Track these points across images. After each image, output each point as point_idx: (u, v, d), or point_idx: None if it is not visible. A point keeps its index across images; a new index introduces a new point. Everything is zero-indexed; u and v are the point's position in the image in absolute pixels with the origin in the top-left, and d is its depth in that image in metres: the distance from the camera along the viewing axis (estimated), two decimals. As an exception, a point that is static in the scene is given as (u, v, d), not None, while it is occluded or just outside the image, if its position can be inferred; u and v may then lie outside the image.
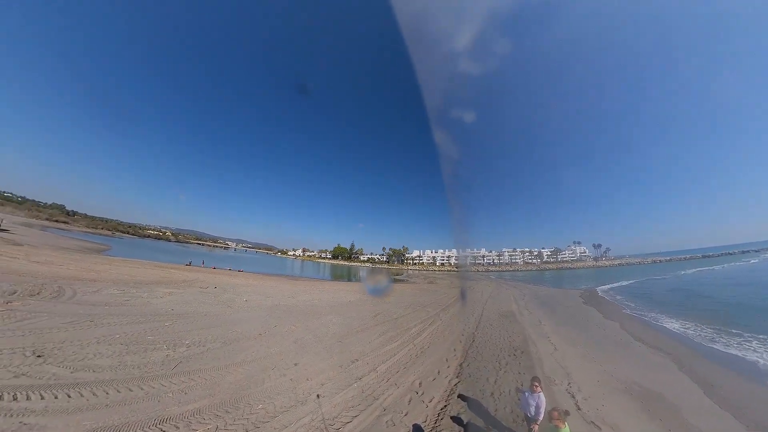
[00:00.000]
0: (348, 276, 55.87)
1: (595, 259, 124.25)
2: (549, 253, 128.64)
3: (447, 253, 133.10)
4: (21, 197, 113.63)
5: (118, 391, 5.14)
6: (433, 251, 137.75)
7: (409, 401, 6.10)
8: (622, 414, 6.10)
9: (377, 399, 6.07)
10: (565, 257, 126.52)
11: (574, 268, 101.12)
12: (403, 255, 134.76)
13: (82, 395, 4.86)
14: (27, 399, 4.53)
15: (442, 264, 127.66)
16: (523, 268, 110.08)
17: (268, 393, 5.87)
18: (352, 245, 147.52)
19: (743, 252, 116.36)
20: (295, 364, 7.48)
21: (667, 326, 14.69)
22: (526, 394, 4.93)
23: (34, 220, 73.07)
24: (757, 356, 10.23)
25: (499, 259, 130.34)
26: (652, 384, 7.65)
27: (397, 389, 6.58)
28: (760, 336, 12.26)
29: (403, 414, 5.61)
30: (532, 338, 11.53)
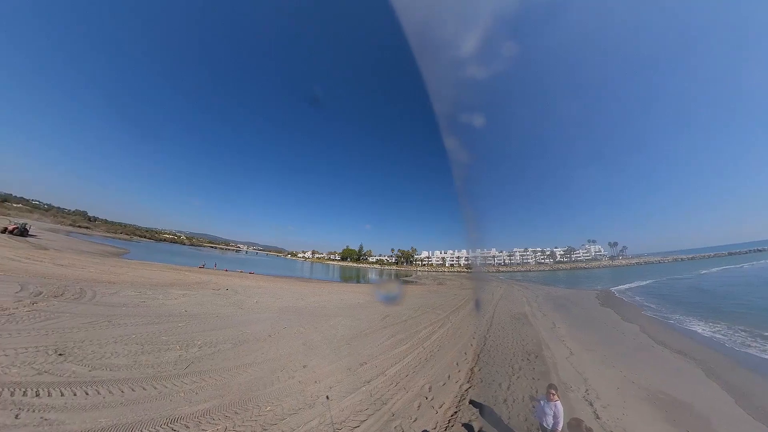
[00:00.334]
0: (357, 278, 55.96)
1: (611, 258, 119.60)
2: (562, 253, 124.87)
3: (456, 254, 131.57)
4: (47, 204, 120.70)
5: (132, 390, 5.27)
6: (442, 252, 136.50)
7: (419, 407, 5.97)
8: (645, 424, 5.77)
9: (386, 403, 5.98)
10: (579, 257, 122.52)
11: (589, 268, 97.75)
12: (412, 256, 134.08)
13: (99, 393, 5.00)
14: (48, 395, 4.70)
15: (452, 265, 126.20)
16: (536, 269, 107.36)
17: (276, 395, 5.88)
18: (361, 247, 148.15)
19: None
20: (304, 366, 7.48)
21: (693, 329, 13.91)
22: (542, 402, 4.72)
23: (59, 225, 77.01)
24: (796, 364, 9.54)
25: (510, 260, 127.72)
26: (677, 392, 7.22)
27: (407, 394, 6.47)
28: (800, 341, 11.43)
29: (413, 420, 5.49)
30: (546, 342, 11.15)
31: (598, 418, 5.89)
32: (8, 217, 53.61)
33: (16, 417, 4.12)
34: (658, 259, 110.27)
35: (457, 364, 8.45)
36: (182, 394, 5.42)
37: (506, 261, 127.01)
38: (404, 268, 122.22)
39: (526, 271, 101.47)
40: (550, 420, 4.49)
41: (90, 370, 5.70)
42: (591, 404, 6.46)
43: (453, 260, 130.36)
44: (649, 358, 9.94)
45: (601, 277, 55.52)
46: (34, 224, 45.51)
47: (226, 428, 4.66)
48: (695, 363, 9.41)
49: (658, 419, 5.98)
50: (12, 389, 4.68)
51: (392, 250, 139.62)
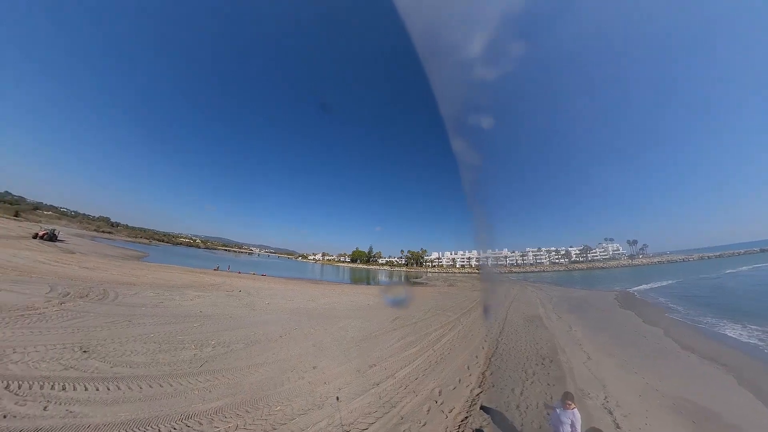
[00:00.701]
0: (367, 280, 56.01)
1: (631, 257, 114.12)
2: (578, 252, 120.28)
3: (467, 255, 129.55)
4: (74, 211, 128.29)
5: (150, 387, 5.47)
6: (453, 253, 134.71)
7: (428, 410, 5.89)
8: (670, 435, 5.46)
9: (395, 406, 5.93)
10: (596, 256, 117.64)
11: (606, 268, 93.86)
12: (422, 257, 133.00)
13: (119, 388, 5.23)
14: (73, 390, 4.95)
15: (462, 266, 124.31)
16: (550, 269, 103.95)
17: (286, 395, 5.95)
18: (371, 249, 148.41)
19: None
20: (314, 367, 7.54)
21: (724, 333, 13.07)
22: (558, 410, 4.53)
23: (84, 231, 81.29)
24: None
25: (522, 260, 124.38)
26: (705, 400, 6.79)
27: (416, 397, 6.40)
28: None
29: (422, 424, 5.41)
30: (561, 345, 10.77)
31: (618, 427, 5.62)
32: (39, 224, 57.13)
33: (45, 409, 4.36)
34: (682, 257, 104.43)
35: (468, 367, 8.29)
36: (196, 392, 5.58)
37: (519, 261, 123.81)
38: (414, 269, 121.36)
39: (540, 271, 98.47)
40: (567, 429, 4.30)
41: (111, 367, 5.97)
42: (611, 412, 6.18)
43: (464, 261, 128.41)
44: (674, 363, 9.41)
45: (619, 277, 53.24)
46: (62, 230, 48.29)
47: (238, 426, 4.75)
48: (726, 370, 8.84)
49: (683, 429, 5.65)
50: (41, 383, 4.96)
51: (402, 251, 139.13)
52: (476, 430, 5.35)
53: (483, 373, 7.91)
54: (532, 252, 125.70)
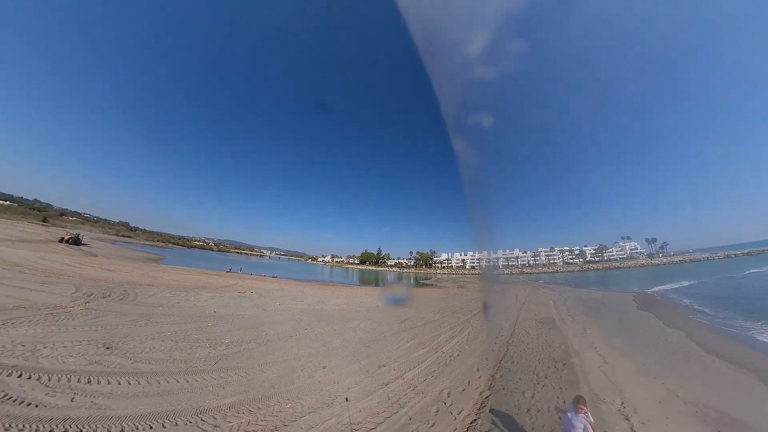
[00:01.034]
0: (376, 281, 56.06)
1: (650, 256, 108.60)
2: (593, 252, 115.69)
3: (477, 256, 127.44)
4: (96, 217, 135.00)
5: (167, 382, 5.71)
6: (462, 254, 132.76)
7: (437, 412, 5.87)
8: (690, 443, 5.22)
9: (403, 407, 5.94)
10: (613, 255, 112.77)
11: (624, 268, 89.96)
12: (431, 258, 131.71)
13: (139, 383, 5.48)
14: (98, 383, 5.24)
15: (472, 267, 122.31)
16: (563, 269, 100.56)
17: (296, 393, 6.07)
18: (379, 250, 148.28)
19: None
20: (323, 367, 7.64)
21: (750, 336, 12.36)
22: (569, 414, 4.43)
23: (106, 235, 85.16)
24: None
25: (535, 260, 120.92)
26: (733, 409, 6.44)
27: (424, 398, 6.38)
28: None
29: (430, 425, 5.40)
30: (575, 348, 10.47)
31: (635, 434, 5.43)
32: (65, 229, 60.24)
33: (72, 400, 4.64)
34: (706, 255, 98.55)
35: (478, 369, 8.19)
36: (211, 388, 5.77)
37: (530, 262, 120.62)
38: (423, 270, 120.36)
39: (553, 272, 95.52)
40: None
41: (132, 363, 6.26)
42: (627, 419, 5.97)
43: (474, 262, 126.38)
44: (698, 369, 8.98)
45: (638, 277, 51.26)
46: (85, 234, 50.81)
47: (250, 422, 4.89)
48: (755, 376, 8.36)
49: (706, 437, 5.40)
50: (69, 376, 5.27)
51: (411, 252, 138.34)
52: None
53: (493, 376, 7.80)
54: (545, 252, 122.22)
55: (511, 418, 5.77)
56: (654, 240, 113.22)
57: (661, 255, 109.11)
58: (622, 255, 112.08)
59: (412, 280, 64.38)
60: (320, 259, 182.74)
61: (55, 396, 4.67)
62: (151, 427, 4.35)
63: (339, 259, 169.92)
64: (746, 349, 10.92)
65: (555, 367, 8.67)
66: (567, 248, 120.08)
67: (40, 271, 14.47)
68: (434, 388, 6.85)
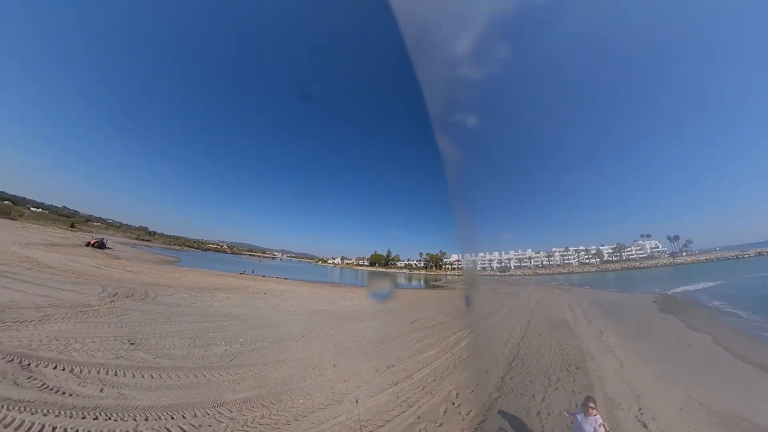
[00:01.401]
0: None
1: (672, 255, 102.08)
2: (610, 251, 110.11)
3: (488, 257, 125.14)
4: (119, 222, 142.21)
5: (186, 377, 6.01)
6: (473, 255, 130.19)
7: (445, 412, 5.89)
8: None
9: (411, 406, 6.00)
10: (632, 255, 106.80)
11: (644, 268, 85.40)
12: (441, 260, 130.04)
13: (161, 377, 5.80)
14: (124, 376, 5.59)
15: (483, 268, 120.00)
16: (579, 270, 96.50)
17: (308, 390, 6.24)
18: (389, 252, 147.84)
19: None
20: (334, 366, 7.79)
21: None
22: (579, 417, 4.35)
23: (127, 239, 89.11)
24: None
25: (549, 261, 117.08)
26: (762, 418, 6.11)
27: (433, 398, 6.41)
28: None
29: (437, 424, 5.44)
30: (590, 352, 10.17)
31: (652, 440, 5.26)
32: (91, 233, 63.64)
33: (101, 390, 4.98)
34: (735, 254, 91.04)
35: (487, 371, 8.13)
36: (227, 384, 6.03)
37: (544, 263, 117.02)
38: (433, 272, 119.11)
39: (568, 273, 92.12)
40: None
41: (154, 358, 6.62)
42: (645, 426, 5.78)
43: (485, 263, 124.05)
44: (724, 375, 8.49)
45: (659, 277, 48.53)
46: (109, 238, 53.51)
47: (263, 416, 5.09)
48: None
49: (729, 446, 5.16)
50: (98, 369, 5.65)
51: (420, 254, 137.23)
52: None
53: (503, 378, 7.72)
54: (559, 252, 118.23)
55: (519, 420, 5.72)
56: (676, 237, 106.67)
57: (684, 253, 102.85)
58: (641, 254, 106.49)
59: (422, 282, 63.96)
60: (330, 261, 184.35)
61: (86, 386, 5.03)
62: (172, 418, 4.62)
63: (349, 261, 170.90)
64: (777, 353, 10.27)
65: (568, 370, 8.47)
66: (582, 248, 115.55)
67: (70, 273, 15.41)
68: (443, 389, 6.87)
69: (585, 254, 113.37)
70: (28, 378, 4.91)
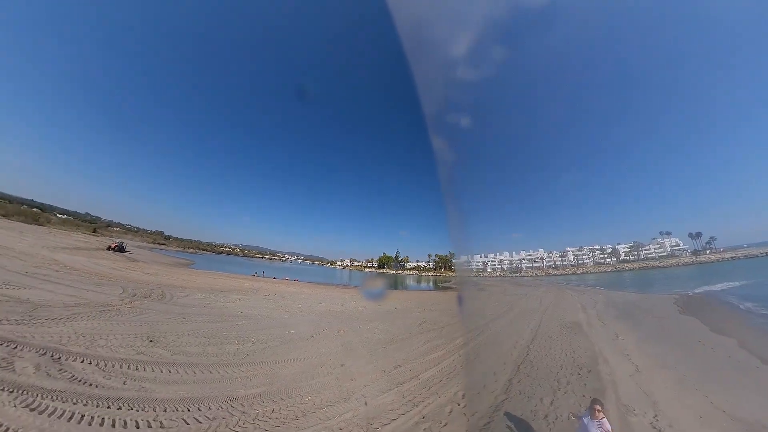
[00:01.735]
0: (394, 285, 55.91)
1: (694, 252, 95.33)
2: (627, 250, 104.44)
3: (498, 258, 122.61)
4: (136, 227, 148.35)
5: (202, 372, 6.30)
6: (483, 255, 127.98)
7: (450, 412, 5.92)
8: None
9: (417, 406, 6.06)
10: (651, 253, 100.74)
11: (663, 267, 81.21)
12: (450, 261, 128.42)
13: (178, 372, 6.11)
14: (144, 370, 5.93)
15: (494, 269, 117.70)
16: (594, 270, 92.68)
17: (316, 387, 6.41)
18: (397, 253, 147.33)
19: None
20: (342, 365, 7.94)
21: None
22: (585, 420, 4.27)
23: (144, 243, 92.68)
24: None
25: (562, 261, 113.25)
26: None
27: (439, 398, 6.45)
28: None
29: (442, 424, 5.48)
30: (604, 355, 9.91)
31: (667, 447, 5.09)
32: (111, 238, 66.65)
33: (124, 383, 5.31)
34: (765, 251, 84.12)
35: (495, 373, 8.08)
36: (239, 380, 6.28)
37: (557, 263, 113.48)
38: (442, 273, 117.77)
39: (582, 273, 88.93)
40: None
41: (172, 355, 6.96)
42: (659, 432, 5.61)
43: (495, 264, 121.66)
44: (751, 381, 7.96)
45: (680, 277, 46.14)
46: (128, 242, 55.85)
47: (274, 410, 5.29)
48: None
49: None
50: (121, 363, 6.01)
51: (429, 255, 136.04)
52: None
53: (510, 380, 7.66)
54: (573, 252, 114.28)
55: (526, 423, 5.68)
56: (699, 234, 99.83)
57: (708, 251, 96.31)
58: (661, 252, 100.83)
59: (431, 284, 63.43)
60: (339, 264, 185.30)
61: (110, 379, 5.37)
62: (188, 410, 4.87)
63: (357, 263, 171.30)
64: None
65: (579, 374, 8.30)
66: (597, 247, 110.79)
67: (94, 275, 16.26)
68: (449, 390, 6.90)
69: (600, 253, 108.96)
70: (59, 370, 5.29)
